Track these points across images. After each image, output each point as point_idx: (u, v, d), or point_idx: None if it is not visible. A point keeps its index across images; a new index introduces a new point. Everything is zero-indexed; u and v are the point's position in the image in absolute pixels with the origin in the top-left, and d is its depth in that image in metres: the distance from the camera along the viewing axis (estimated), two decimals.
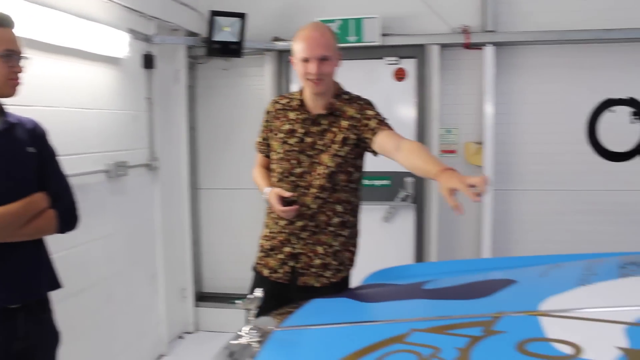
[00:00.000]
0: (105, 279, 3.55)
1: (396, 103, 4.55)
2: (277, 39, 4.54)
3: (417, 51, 4.44)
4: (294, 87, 4.65)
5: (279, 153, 2.48)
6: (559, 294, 1.46)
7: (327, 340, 1.38)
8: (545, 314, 1.30)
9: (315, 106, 2.45)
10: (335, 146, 2.40)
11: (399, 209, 4.57)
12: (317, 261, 2.46)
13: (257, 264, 2.59)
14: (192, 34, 4.56)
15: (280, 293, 2.46)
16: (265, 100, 4.51)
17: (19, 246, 2.15)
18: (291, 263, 2.48)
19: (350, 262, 2.55)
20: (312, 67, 2.33)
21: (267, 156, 2.60)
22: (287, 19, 4.57)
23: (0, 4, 2.46)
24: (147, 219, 4.12)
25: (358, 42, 4.35)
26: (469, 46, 4.34)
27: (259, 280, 2.56)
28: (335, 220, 2.46)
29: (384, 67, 4.52)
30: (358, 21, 4.33)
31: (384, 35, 4.36)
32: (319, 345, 1.36)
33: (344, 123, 2.41)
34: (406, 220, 4.58)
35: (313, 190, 2.42)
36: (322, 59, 2.34)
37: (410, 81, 4.51)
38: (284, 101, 2.57)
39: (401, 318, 1.43)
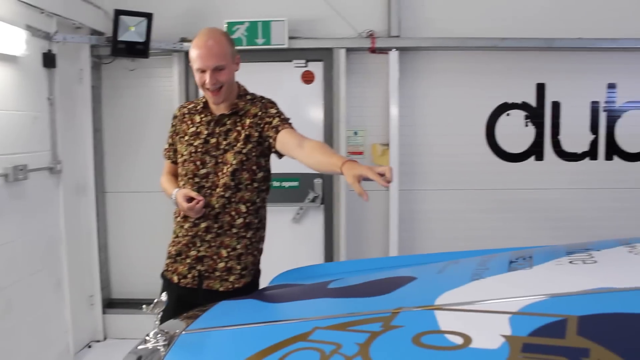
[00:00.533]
0: (4, 288, 3.40)
1: (304, 105, 4.61)
2: (184, 40, 4.49)
3: (324, 54, 4.52)
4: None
5: (184, 156, 2.49)
6: (454, 288, 1.55)
7: (233, 341, 1.41)
8: (440, 308, 1.39)
9: (219, 107, 2.46)
10: (239, 144, 2.41)
11: (308, 210, 4.64)
12: (221, 264, 2.46)
13: (166, 270, 2.57)
14: (96, 32, 4.43)
15: (190, 298, 2.44)
16: (174, 101, 4.48)
17: None
18: (198, 267, 2.47)
19: (253, 267, 2.54)
20: (208, 77, 2.32)
21: (175, 162, 2.60)
22: (194, 20, 4.53)
23: None
24: (50, 224, 3.97)
25: (266, 44, 4.37)
26: (374, 50, 4.46)
27: (168, 287, 2.52)
28: (239, 221, 2.45)
29: (292, 70, 4.58)
30: (266, 24, 4.35)
31: (292, 38, 4.41)
32: (224, 347, 1.39)
33: (247, 121, 2.43)
34: (315, 221, 4.65)
35: (218, 190, 2.43)
36: (218, 69, 2.33)
37: (318, 84, 4.58)
38: (190, 105, 2.57)
39: (305, 317, 1.48)
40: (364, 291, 1.70)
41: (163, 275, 2.60)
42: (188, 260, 2.48)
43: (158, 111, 4.55)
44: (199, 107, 2.51)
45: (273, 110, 2.47)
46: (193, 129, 2.49)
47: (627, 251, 1.85)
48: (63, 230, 4.08)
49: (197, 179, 2.45)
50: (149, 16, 4.15)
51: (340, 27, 4.48)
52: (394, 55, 4.43)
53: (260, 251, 2.59)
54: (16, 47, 3.48)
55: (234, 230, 2.45)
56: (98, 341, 4.61)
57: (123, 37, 4.11)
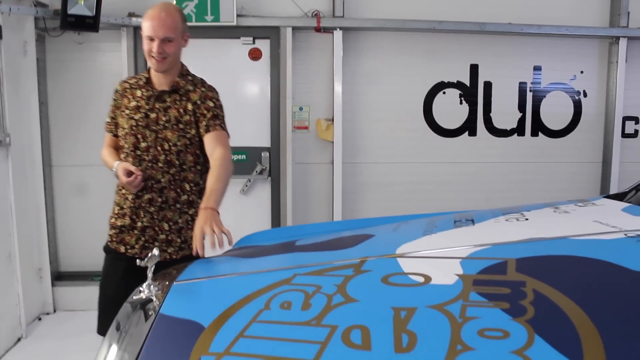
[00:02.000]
0: None
1: (251, 81, 4.77)
2: (132, 15, 4.55)
3: (271, 32, 4.67)
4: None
5: (124, 129, 2.58)
6: (410, 242, 1.79)
7: (222, 288, 1.59)
8: (401, 256, 1.62)
9: (160, 83, 2.58)
10: (182, 126, 2.54)
11: (256, 182, 4.82)
12: (162, 236, 2.59)
13: (111, 242, 2.66)
14: (40, 4, 4.41)
15: (132, 268, 2.49)
16: (122, 75, 4.52)
17: None
18: (143, 237, 2.60)
19: (184, 242, 2.63)
20: (155, 46, 2.45)
21: (116, 135, 2.68)
22: None
23: None
24: (1, 197, 3.98)
25: (215, 21, 4.48)
26: (319, 30, 4.65)
27: (115, 257, 2.64)
28: (184, 197, 2.59)
29: (239, 47, 4.70)
30: (215, 1, 4.45)
31: (240, 16, 4.54)
32: (216, 293, 1.57)
33: (189, 106, 2.57)
34: (263, 192, 4.84)
35: (160, 165, 2.55)
36: (166, 40, 2.46)
37: (265, 61, 4.73)
38: (132, 80, 2.67)
39: (284, 266, 1.68)
40: (330, 246, 1.92)
41: (107, 247, 2.68)
42: (135, 231, 2.60)
43: (105, 85, 4.53)
44: (140, 82, 2.62)
45: (210, 104, 2.61)
46: (134, 103, 2.59)
47: (552, 211, 2.15)
48: (12, 203, 4.09)
49: (138, 152, 2.55)
50: None
51: (287, 6, 4.64)
52: (338, 34, 4.63)
53: None
54: None
55: (178, 206, 2.59)
56: (48, 314, 4.66)
57: (72, 10, 4.12)
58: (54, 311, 4.68)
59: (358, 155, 4.87)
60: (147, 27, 2.46)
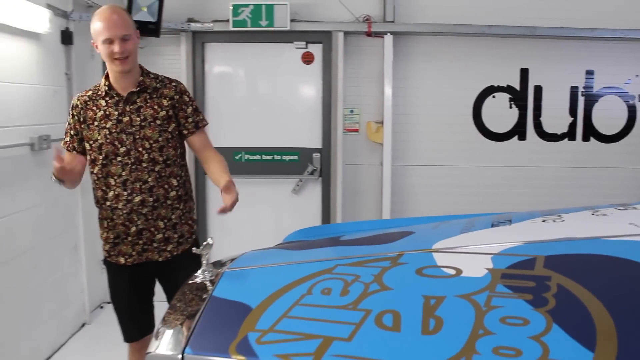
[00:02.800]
0: (31, 249, 3.69)
1: (304, 84, 4.92)
2: (191, 20, 4.76)
3: (323, 37, 4.81)
4: (209, 68, 4.91)
5: (98, 140, 2.57)
6: (447, 239, 1.89)
7: (270, 275, 1.74)
8: (437, 251, 1.73)
9: (124, 87, 2.57)
10: (159, 122, 2.58)
11: (307, 182, 4.97)
12: (159, 236, 2.64)
13: (109, 256, 2.70)
14: None
15: (139, 272, 2.69)
16: (181, 78, 4.74)
17: None
18: (139, 242, 2.63)
19: (190, 235, 2.74)
20: (116, 47, 2.44)
21: (80, 152, 2.66)
22: (201, 1, 4.79)
23: None
24: (69, 191, 4.22)
25: (269, 26, 4.64)
26: (370, 34, 4.76)
27: (116, 270, 2.71)
28: (172, 193, 2.65)
29: (293, 51, 4.86)
30: (269, 7, 4.62)
31: (293, 21, 4.68)
32: (263, 279, 1.71)
33: (164, 102, 2.61)
34: (314, 192, 4.98)
35: (144, 165, 2.58)
36: (124, 39, 2.46)
37: (317, 64, 4.88)
38: (89, 93, 2.64)
39: (327, 257, 1.81)
40: (372, 241, 2.04)
41: (107, 262, 2.74)
42: (129, 239, 2.62)
43: None
44: (101, 92, 2.60)
45: (186, 98, 2.68)
46: (101, 113, 2.57)
47: (591, 214, 2.20)
48: (79, 198, 4.37)
49: (119, 158, 2.56)
50: None
51: (339, 11, 4.76)
52: (388, 39, 4.73)
53: (194, 221, 2.80)
54: (39, 25, 3.73)
55: (169, 202, 2.64)
56: (108, 303, 4.91)
57: (136, 17, 4.34)
58: None
59: (407, 158, 4.96)
60: (102, 30, 2.45)
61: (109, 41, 2.45)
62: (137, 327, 2.78)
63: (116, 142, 2.56)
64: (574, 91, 4.97)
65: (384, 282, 1.50)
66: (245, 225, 4.88)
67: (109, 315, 4.65)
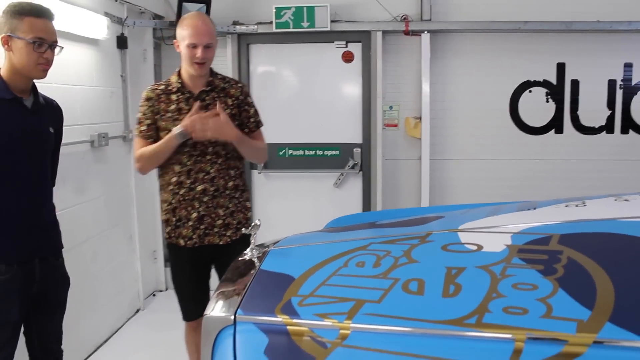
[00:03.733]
0: (91, 238, 3.99)
1: (344, 82, 5.12)
2: (236, 23, 5.00)
3: (362, 36, 5.00)
4: (254, 68, 5.15)
5: (169, 131, 2.77)
6: (472, 221, 2.06)
7: (310, 252, 1.94)
8: (462, 230, 1.90)
9: (195, 85, 2.83)
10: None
11: (348, 176, 5.17)
12: (219, 222, 2.88)
13: (169, 237, 2.93)
14: (157, 16, 4.98)
15: (197, 255, 2.92)
16: None
17: (48, 212, 2.61)
18: (200, 226, 2.86)
19: (245, 222, 2.96)
20: (199, 52, 2.71)
21: (155, 141, 2.83)
22: (246, 5, 5.04)
23: None
24: (124, 185, 4.56)
25: (310, 27, 4.85)
26: (408, 33, 4.92)
27: (177, 251, 2.94)
28: (230, 184, 2.89)
29: (333, 50, 5.07)
30: (310, 9, 4.83)
31: (334, 21, 4.89)
32: (305, 255, 1.92)
33: (229, 101, 2.87)
34: (354, 186, 5.18)
35: (208, 157, 2.82)
36: (207, 46, 2.73)
37: (357, 63, 5.07)
38: (161, 87, 2.87)
39: (362, 237, 2.01)
40: (404, 224, 2.23)
41: (168, 243, 2.98)
42: (190, 223, 2.85)
43: None
44: (172, 88, 2.84)
45: (250, 100, 2.95)
46: (173, 107, 2.81)
47: (614, 200, 2.34)
48: (134, 191, 4.67)
49: (186, 149, 2.79)
50: (207, 2, 4.66)
51: (377, 11, 4.94)
52: (425, 37, 4.88)
53: (248, 209, 3.03)
54: (98, 31, 4.04)
55: (227, 192, 2.89)
56: (160, 291, 5.22)
57: None
58: (166, 289, 5.23)
59: (445, 152, 5.10)
60: (188, 35, 2.71)
61: (193, 46, 2.72)
62: (195, 306, 2.97)
63: None
64: (611, 84, 5.02)
65: (412, 256, 1.69)
66: (288, 218, 5.10)
67: (161, 302, 4.98)
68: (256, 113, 3.00)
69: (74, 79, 3.79)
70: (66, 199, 3.64)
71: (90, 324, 3.94)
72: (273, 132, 5.06)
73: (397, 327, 1.34)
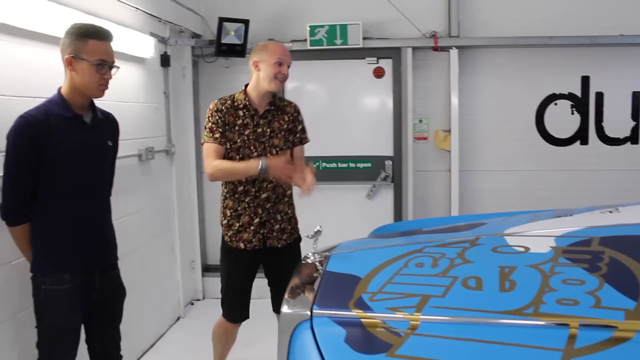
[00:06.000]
0: (139, 248, 4.18)
1: (375, 97, 5.31)
2: (272, 40, 5.21)
3: (393, 53, 5.18)
4: (288, 83, 5.31)
5: (237, 143, 3.04)
6: (516, 226, 2.24)
7: (371, 255, 2.13)
8: (508, 235, 2.08)
9: (260, 104, 3.10)
10: (284, 133, 3.12)
11: (380, 187, 5.34)
12: (277, 226, 3.14)
13: (230, 241, 3.14)
14: (195, 35, 5.22)
15: (254, 258, 3.16)
16: None
17: (109, 224, 2.80)
18: (261, 231, 3.11)
19: (296, 226, 3.27)
20: (285, 69, 3.04)
21: (226, 148, 3.07)
22: (280, 24, 5.25)
23: (60, 16, 3.02)
24: (167, 197, 4.77)
25: (343, 44, 5.04)
26: (437, 49, 5.10)
27: (237, 254, 3.14)
28: (288, 192, 3.20)
29: (365, 67, 5.26)
30: (343, 27, 5.03)
31: (365, 38, 5.07)
32: (366, 258, 2.10)
33: (286, 117, 3.15)
34: (386, 197, 5.35)
35: None
36: (289, 65, 3.08)
37: (388, 78, 5.25)
38: (228, 102, 3.12)
39: (415, 242, 2.19)
40: (451, 230, 2.41)
41: (227, 247, 3.18)
42: (252, 228, 3.10)
43: None
44: (239, 104, 3.10)
45: (301, 118, 3.24)
46: (240, 121, 3.07)
47: None
48: (175, 203, 4.88)
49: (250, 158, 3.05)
50: (246, 22, 4.87)
51: (407, 28, 5.12)
52: (454, 53, 5.07)
53: (296, 216, 3.31)
54: (145, 51, 4.25)
55: (285, 199, 3.18)
56: (198, 300, 5.41)
57: (225, 39, 4.85)
58: (203, 298, 5.41)
59: (473, 164, 5.26)
60: (278, 53, 3.03)
61: (280, 63, 3.03)
62: (241, 308, 3.24)
63: (251, 147, 3.07)
64: (635, 96, 5.15)
65: (466, 257, 1.86)
66: (323, 228, 5.25)
67: (200, 311, 5.17)
68: (303, 130, 3.26)
69: (124, 96, 4.00)
70: (117, 211, 3.78)
71: (137, 331, 4.12)
72: (307, 145, 5.29)
73: (463, 318, 1.51)
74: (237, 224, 3.12)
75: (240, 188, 3.09)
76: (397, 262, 1.91)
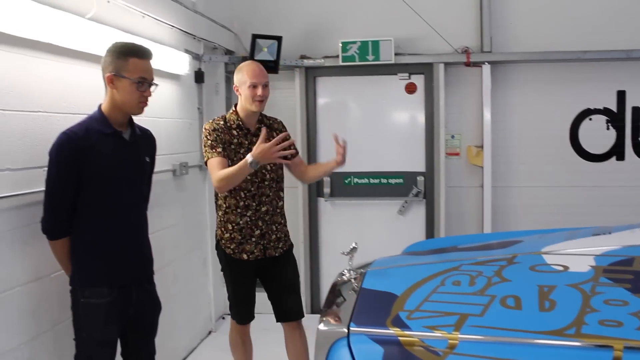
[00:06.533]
0: (172, 262, 4.22)
1: (407, 113, 5.31)
2: (304, 57, 5.26)
3: (425, 68, 5.18)
4: (320, 99, 5.39)
5: (234, 161, 3.15)
6: (553, 244, 2.21)
7: (407, 273, 2.12)
8: (546, 253, 2.05)
9: (251, 123, 3.28)
10: None
11: (412, 203, 5.32)
12: (274, 236, 3.34)
13: (234, 253, 3.30)
14: (228, 52, 5.29)
15: (256, 266, 3.32)
16: (296, 109, 5.25)
17: (145, 238, 2.84)
18: (262, 242, 3.29)
19: (288, 234, 3.46)
20: (260, 91, 3.16)
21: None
22: (312, 40, 5.29)
23: (100, 35, 3.09)
24: (200, 212, 4.82)
25: (375, 60, 5.05)
26: (469, 64, 5.08)
27: (240, 264, 3.32)
28: (281, 203, 3.39)
29: (397, 82, 5.27)
30: (375, 43, 5.05)
31: (397, 54, 5.08)
32: (402, 275, 2.10)
33: (275, 134, 3.24)
34: (418, 213, 5.32)
35: (267, 182, 3.27)
36: (265, 85, 3.20)
37: (420, 94, 5.25)
38: (221, 122, 3.27)
39: (452, 259, 2.18)
40: (486, 247, 2.39)
41: (229, 258, 3.33)
42: (253, 239, 3.27)
43: (282, 117, 5.10)
44: (232, 124, 3.26)
45: (287, 132, 3.31)
46: (235, 140, 3.24)
47: None
48: (208, 218, 4.92)
49: (249, 177, 3.15)
50: (279, 39, 4.93)
51: (439, 44, 5.12)
52: (486, 68, 5.04)
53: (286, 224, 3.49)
54: (181, 67, 4.32)
55: (278, 210, 3.37)
56: (228, 314, 5.41)
57: (258, 56, 4.90)
58: None
59: (506, 180, 5.21)
60: (251, 76, 3.16)
61: (254, 86, 3.17)
62: (248, 311, 3.48)
63: None
64: None
65: (504, 276, 1.85)
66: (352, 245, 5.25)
67: (229, 326, 5.16)
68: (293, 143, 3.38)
69: (159, 112, 4.06)
70: (151, 225, 3.81)
71: (169, 344, 4.15)
72: None
73: (502, 337, 1.50)
74: (239, 237, 3.28)
75: (242, 203, 3.26)
76: (433, 280, 1.90)
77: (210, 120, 3.33)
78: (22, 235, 2.60)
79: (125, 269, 2.67)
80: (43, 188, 2.54)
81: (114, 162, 2.59)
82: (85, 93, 3.05)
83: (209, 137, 3.22)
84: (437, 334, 1.56)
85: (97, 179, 2.53)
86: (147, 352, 2.94)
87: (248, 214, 3.26)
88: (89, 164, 2.49)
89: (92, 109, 2.67)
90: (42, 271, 2.72)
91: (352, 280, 2.13)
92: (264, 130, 3.03)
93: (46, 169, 2.52)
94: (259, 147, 2.93)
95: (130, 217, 2.72)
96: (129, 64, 2.54)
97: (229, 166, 3.13)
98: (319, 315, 1.87)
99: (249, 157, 2.95)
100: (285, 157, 3.02)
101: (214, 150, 3.18)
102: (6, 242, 2.52)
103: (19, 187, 2.58)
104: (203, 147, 3.24)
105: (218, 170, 3.11)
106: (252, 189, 3.25)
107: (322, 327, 1.78)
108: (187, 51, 4.50)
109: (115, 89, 2.56)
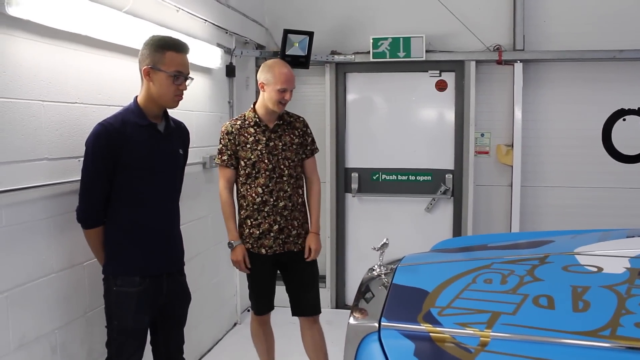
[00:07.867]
0: (200, 254, 4.27)
1: (437, 110, 5.29)
2: (334, 53, 5.26)
3: (456, 66, 5.15)
4: (350, 95, 5.39)
5: (251, 159, 3.31)
6: (586, 245, 2.19)
7: (438, 270, 2.12)
8: (579, 253, 2.04)
9: (269, 120, 3.37)
10: (295, 147, 3.39)
11: (440, 201, 5.30)
12: (294, 232, 3.40)
13: (252, 247, 3.39)
14: (259, 46, 5.31)
15: (275, 260, 3.41)
16: (325, 105, 5.26)
17: (177, 229, 2.87)
18: (280, 236, 3.35)
19: (307, 233, 3.47)
20: (288, 96, 3.28)
21: (235, 168, 3.38)
22: (343, 36, 5.29)
23: (135, 28, 3.13)
24: None
25: (406, 57, 5.04)
26: (501, 62, 5.03)
27: (259, 258, 3.39)
28: (300, 200, 3.44)
29: (427, 79, 5.24)
30: (407, 40, 5.03)
31: (428, 51, 5.05)
32: (433, 272, 2.10)
33: (296, 132, 3.41)
34: (446, 211, 5.31)
35: (285, 178, 3.34)
36: (292, 90, 3.31)
37: (450, 91, 5.22)
38: (239, 122, 3.39)
39: (482, 257, 2.17)
40: (518, 246, 2.38)
41: (249, 251, 3.40)
42: (272, 234, 3.34)
43: (311, 114, 5.19)
44: (250, 122, 3.36)
45: (309, 131, 3.51)
46: (252, 138, 3.33)
47: None
48: (236, 210, 4.94)
49: (267, 173, 3.30)
50: (310, 34, 4.94)
51: (471, 41, 5.08)
52: (518, 66, 4.99)
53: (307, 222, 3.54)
54: (213, 61, 4.36)
55: (299, 207, 3.43)
56: None
57: (289, 51, 4.92)
58: None
59: (536, 179, 5.16)
60: (282, 81, 3.23)
61: (283, 90, 3.26)
62: (268, 303, 3.56)
63: (265, 160, 3.33)
64: None
65: (536, 275, 1.84)
66: (381, 240, 5.24)
67: None
68: (313, 142, 3.54)
69: (191, 105, 4.10)
70: (182, 217, 3.88)
71: (195, 335, 4.20)
72: (367, 157, 5.34)
73: (535, 337, 1.49)
74: (258, 232, 3.36)
75: (258, 199, 3.34)
76: (465, 278, 1.90)
77: (228, 121, 3.47)
78: (58, 224, 2.66)
79: (156, 259, 2.71)
80: (78, 178, 2.59)
81: (148, 154, 2.63)
82: (120, 85, 3.10)
83: (221, 140, 3.42)
84: (469, 331, 1.56)
85: (131, 169, 2.57)
86: (176, 342, 2.98)
87: (265, 210, 3.34)
88: (124, 155, 2.53)
89: (126, 101, 2.72)
90: (76, 259, 2.78)
91: (383, 275, 2.14)
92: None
93: (82, 159, 2.57)
94: (236, 254, 3.38)
95: (163, 208, 2.76)
96: (165, 57, 2.58)
97: (237, 170, 3.37)
98: (344, 310, 1.88)
99: (234, 242, 3.39)
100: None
101: (220, 157, 3.42)
102: (42, 230, 2.58)
103: (55, 176, 2.64)
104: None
105: (223, 181, 3.42)
106: (270, 184, 3.33)
107: (352, 321, 1.79)
108: (219, 45, 4.53)
109: (151, 82, 2.60)
